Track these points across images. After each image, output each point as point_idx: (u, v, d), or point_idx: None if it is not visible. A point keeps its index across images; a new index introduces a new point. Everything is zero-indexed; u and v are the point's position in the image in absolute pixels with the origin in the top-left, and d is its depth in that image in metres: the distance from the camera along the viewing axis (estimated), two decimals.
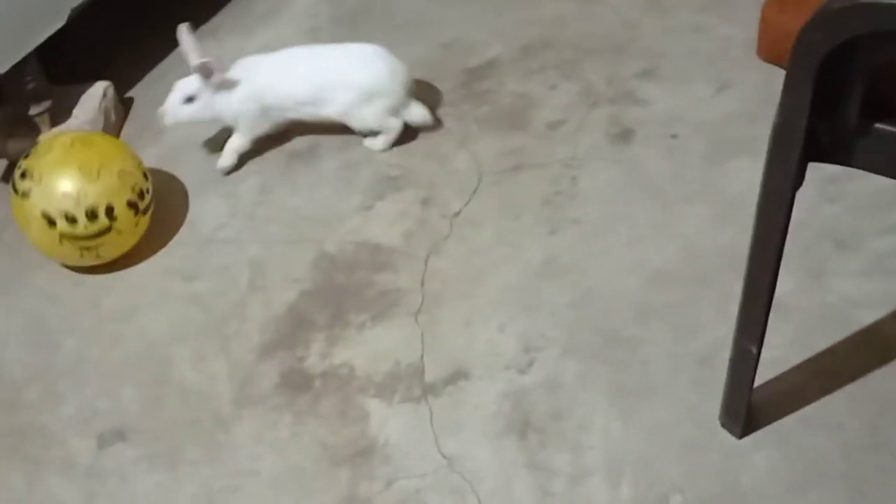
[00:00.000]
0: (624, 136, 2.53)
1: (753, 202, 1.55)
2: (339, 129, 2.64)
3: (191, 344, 2.30)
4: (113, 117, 2.85)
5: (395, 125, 2.59)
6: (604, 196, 2.40)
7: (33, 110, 2.73)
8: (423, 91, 2.72)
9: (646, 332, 2.11)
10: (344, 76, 2.55)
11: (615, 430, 1.97)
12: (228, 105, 2.57)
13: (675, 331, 2.10)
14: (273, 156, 2.70)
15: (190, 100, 2.53)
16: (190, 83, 2.54)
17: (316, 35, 3.06)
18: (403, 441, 2.04)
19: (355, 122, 2.59)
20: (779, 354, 1.97)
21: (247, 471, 2.05)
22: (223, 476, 2.05)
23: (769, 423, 1.92)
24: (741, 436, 1.90)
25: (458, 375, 2.12)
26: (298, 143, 2.71)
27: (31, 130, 2.75)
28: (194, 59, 2.51)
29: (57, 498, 2.08)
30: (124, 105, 2.95)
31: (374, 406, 2.10)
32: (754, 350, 1.75)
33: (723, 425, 1.92)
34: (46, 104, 2.74)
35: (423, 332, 2.21)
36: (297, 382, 2.18)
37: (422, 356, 2.17)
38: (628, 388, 2.03)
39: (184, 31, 2.54)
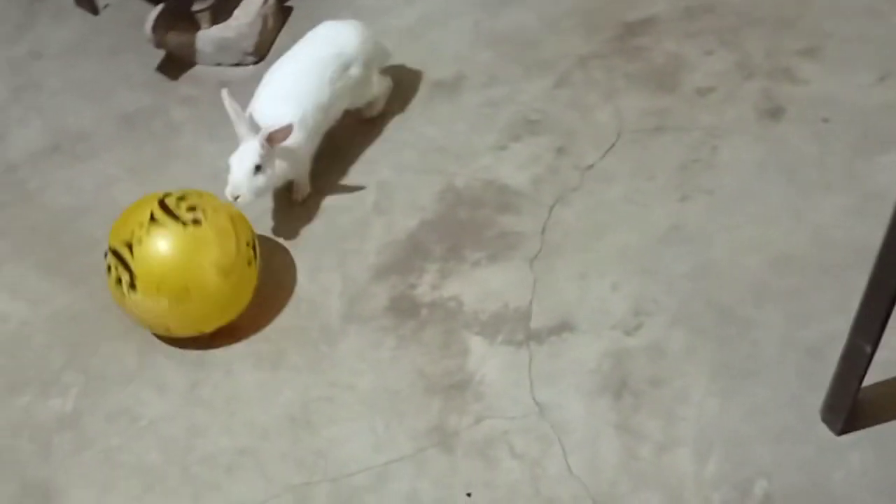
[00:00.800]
0: (773, 112, 2.46)
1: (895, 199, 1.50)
2: (483, 64, 2.64)
3: (310, 255, 2.35)
4: (270, 23, 2.90)
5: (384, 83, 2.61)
6: (742, 170, 2.35)
7: (197, 6, 2.80)
8: (575, 40, 2.70)
9: (760, 313, 2.07)
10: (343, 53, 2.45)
11: (712, 406, 1.94)
12: (290, 153, 2.34)
13: (789, 317, 2.05)
14: (416, 85, 2.71)
15: (258, 169, 2.23)
16: (251, 152, 2.23)
17: None
18: (499, 382, 2.05)
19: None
20: (894, 357, 1.91)
21: (344, 384, 2.10)
22: (321, 385, 2.10)
23: (871, 424, 1.87)
24: (840, 432, 1.86)
25: (563, 327, 2.12)
26: (443, 74, 2.71)
27: (191, 25, 2.82)
28: (248, 127, 2.26)
29: (164, 380, 2.17)
30: (283, 14, 2.99)
31: (476, 343, 2.12)
32: (868, 349, 1.70)
33: (823, 419, 1.88)
34: (210, 1, 2.81)
35: (536, 279, 2.21)
36: (405, 308, 2.21)
37: (531, 302, 2.17)
38: (733, 367, 1.99)
39: (226, 97, 2.26)
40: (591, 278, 2.20)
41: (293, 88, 2.37)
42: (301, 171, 2.42)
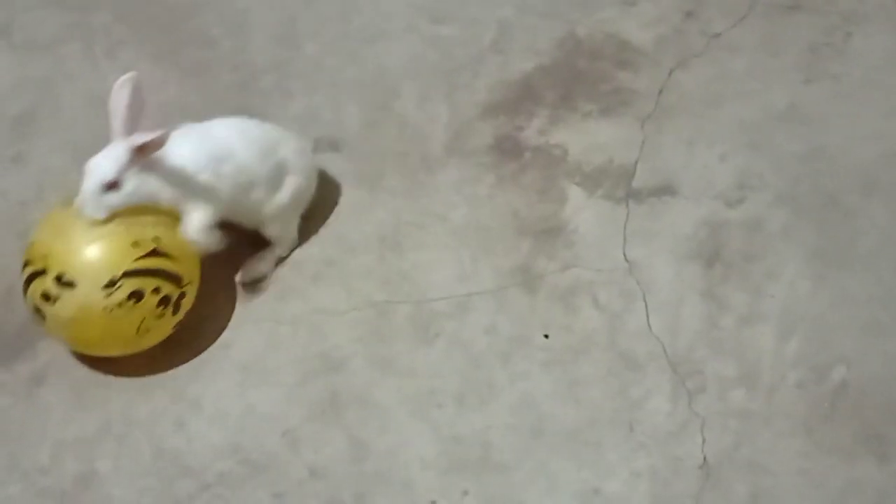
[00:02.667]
0: None
1: None
2: None
3: (421, 82, 2.34)
4: None
5: None
6: (873, 60, 2.27)
7: None
8: None
9: (866, 204, 2.03)
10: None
11: (802, 288, 1.93)
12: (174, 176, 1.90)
13: (894, 213, 2.01)
14: None
15: (113, 186, 1.82)
16: (109, 162, 1.82)
17: None
18: (592, 233, 2.05)
19: None
20: None
21: (437, 214, 2.12)
22: (414, 211, 2.12)
23: None
24: None
25: (665, 189, 2.10)
26: None
27: None
28: (123, 127, 1.84)
29: None
30: None
31: (575, 193, 2.12)
32: None
33: None
34: None
35: (645, 139, 2.18)
36: (508, 148, 2.20)
37: (636, 161, 2.15)
38: (829, 253, 1.97)
39: (122, 85, 1.84)
40: (700, 146, 2.16)
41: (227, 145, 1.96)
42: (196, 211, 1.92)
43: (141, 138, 1.80)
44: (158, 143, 1.81)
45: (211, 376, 1.93)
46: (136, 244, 1.82)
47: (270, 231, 2.04)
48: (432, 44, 2.41)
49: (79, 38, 2.49)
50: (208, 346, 1.97)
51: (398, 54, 2.40)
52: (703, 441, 1.77)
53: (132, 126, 1.84)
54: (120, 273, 1.80)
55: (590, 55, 2.34)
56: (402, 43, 2.42)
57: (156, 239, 1.84)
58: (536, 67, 2.33)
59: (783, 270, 1.95)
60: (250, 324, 1.99)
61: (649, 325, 1.91)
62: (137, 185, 1.84)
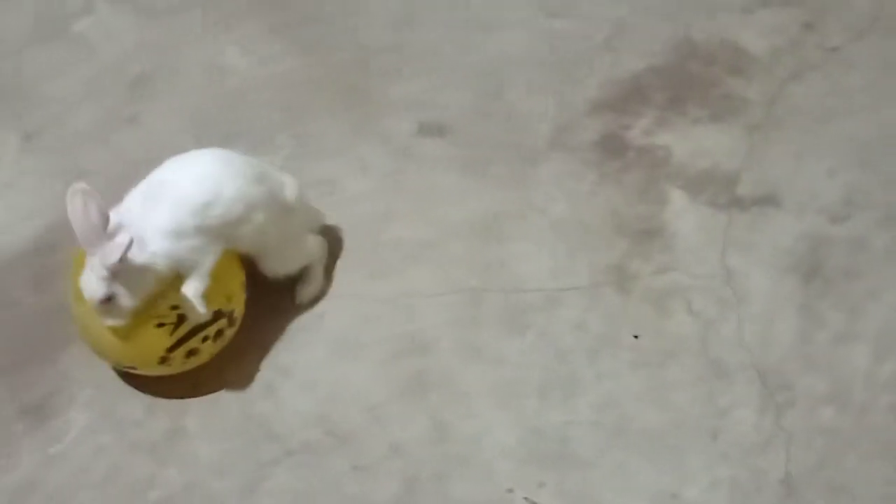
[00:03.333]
0: None
1: None
2: None
3: (532, 74, 2.35)
4: None
5: None
6: None
7: None
8: None
9: None
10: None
11: None
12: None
13: None
14: None
15: (110, 300, 1.75)
16: (94, 284, 1.74)
17: None
18: (691, 238, 2.04)
19: None
20: None
21: (537, 206, 2.13)
22: (515, 201, 2.14)
23: None
24: None
25: (769, 200, 2.08)
26: None
27: None
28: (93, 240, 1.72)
29: (369, 162, 2.23)
30: None
31: (677, 196, 2.11)
32: None
33: None
34: None
35: (752, 148, 2.16)
36: (613, 147, 2.20)
37: (741, 169, 2.13)
38: None
39: (74, 196, 1.71)
40: (808, 159, 2.14)
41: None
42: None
43: (112, 253, 1.69)
44: (127, 248, 1.69)
45: (302, 346, 1.97)
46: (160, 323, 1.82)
47: (268, 266, 1.97)
48: (546, 37, 2.42)
49: (199, 6, 2.56)
50: (301, 315, 2.01)
51: (512, 45, 2.41)
52: (788, 457, 1.75)
53: (99, 233, 1.71)
54: (168, 349, 1.83)
55: (703, 60, 2.33)
56: (516, 34, 2.43)
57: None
58: (648, 68, 2.33)
59: (884, 291, 1.92)
60: (344, 298, 2.02)
61: (742, 335, 1.89)
62: (132, 285, 1.76)
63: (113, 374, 1.95)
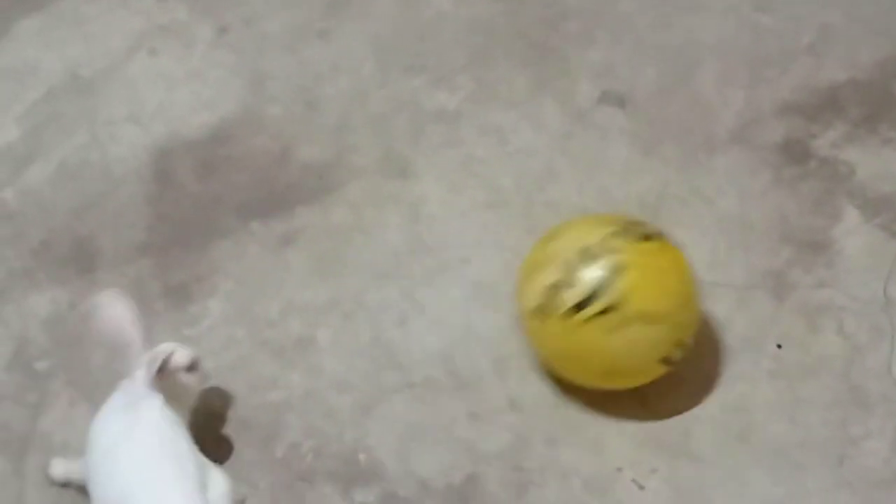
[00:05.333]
0: None
1: None
2: None
3: (726, 64, 2.29)
4: None
5: None
6: None
7: None
8: None
9: None
10: None
11: None
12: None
13: None
14: None
15: (193, 367, 1.67)
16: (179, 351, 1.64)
17: None
18: (857, 259, 1.96)
19: None
20: None
21: (705, 196, 2.08)
22: (682, 187, 2.09)
23: None
24: None
25: None
26: None
27: None
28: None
29: (543, 119, 2.22)
30: None
31: (851, 215, 2.03)
32: None
33: None
34: None
35: None
36: (795, 152, 2.13)
37: None
38: None
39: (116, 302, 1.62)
40: None
41: None
42: None
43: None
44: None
45: (443, 285, 1.97)
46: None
47: None
48: (749, 29, 2.35)
49: None
50: (450, 256, 2.01)
51: (711, 30, 2.35)
52: None
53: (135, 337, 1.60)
54: None
55: None
56: (718, 20, 2.37)
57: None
58: (849, 80, 2.24)
59: None
60: (490, 248, 2.02)
61: (891, 367, 1.82)
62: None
63: (257, 272, 1.99)
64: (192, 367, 1.65)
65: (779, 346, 1.87)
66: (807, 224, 2.02)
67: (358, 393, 1.84)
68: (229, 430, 1.80)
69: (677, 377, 1.80)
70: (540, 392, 1.83)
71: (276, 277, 1.99)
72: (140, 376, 1.57)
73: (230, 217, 2.07)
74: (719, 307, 1.91)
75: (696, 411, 1.80)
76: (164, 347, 1.61)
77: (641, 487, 1.72)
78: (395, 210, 2.09)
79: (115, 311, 1.60)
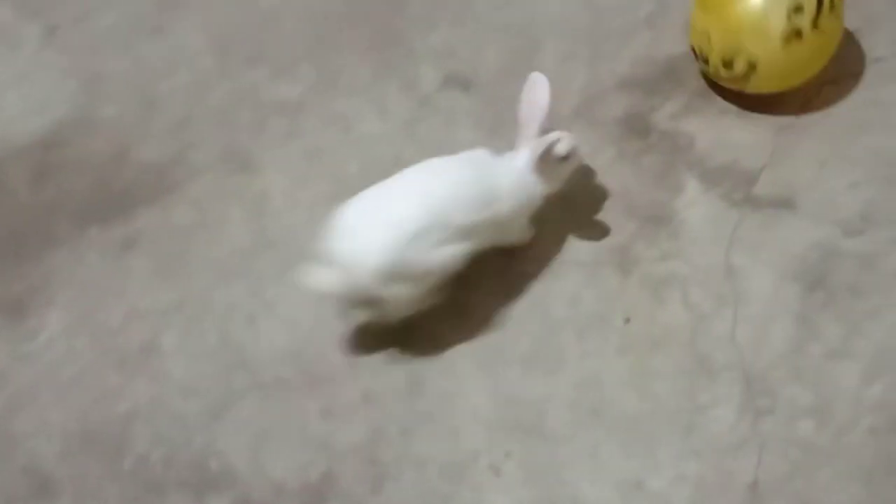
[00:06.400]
0: None
1: None
2: None
3: (566, 42, 2.30)
4: None
5: None
6: None
7: None
8: None
9: None
10: None
11: None
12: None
13: None
14: None
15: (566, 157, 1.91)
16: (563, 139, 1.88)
17: None
18: (699, 230, 1.99)
19: None
20: None
21: None
22: None
23: None
24: None
25: (784, 203, 2.02)
26: None
27: None
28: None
29: (387, 106, 2.20)
30: None
31: (692, 186, 2.06)
32: None
33: None
34: None
35: (776, 149, 2.11)
36: (635, 126, 2.15)
37: (762, 168, 2.08)
38: None
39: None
40: (832, 168, 2.08)
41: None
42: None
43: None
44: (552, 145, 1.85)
45: (292, 281, 1.93)
46: None
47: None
48: (587, 6, 2.36)
49: None
50: (297, 251, 1.98)
51: (550, 9, 2.36)
52: (759, 463, 1.72)
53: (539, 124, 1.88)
54: None
55: None
56: None
57: None
58: (686, 53, 2.26)
59: (887, 313, 1.87)
60: None
61: (734, 334, 1.85)
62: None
63: (96, 279, 1.94)
64: (568, 155, 1.87)
65: (627, 321, 1.89)
66: (650, 198, 2.04)
67: (206, 397, 1.80)
68: (74, 446, 1.75)
69: (528, 357, 1.81)
70: (394, 384, 1.82)
71: (117, 283, 1.93)
72: (524, 155, 1.86)
73: (66, 224, 2.01)
74: (568, 286, 1.92)
75: (549, 391, 1.81)
76: (553, 136, 1.83)
77: (497, 472, 1.73)
78: (238, 206, 2.05)
79: (541, 94, 1.88)
